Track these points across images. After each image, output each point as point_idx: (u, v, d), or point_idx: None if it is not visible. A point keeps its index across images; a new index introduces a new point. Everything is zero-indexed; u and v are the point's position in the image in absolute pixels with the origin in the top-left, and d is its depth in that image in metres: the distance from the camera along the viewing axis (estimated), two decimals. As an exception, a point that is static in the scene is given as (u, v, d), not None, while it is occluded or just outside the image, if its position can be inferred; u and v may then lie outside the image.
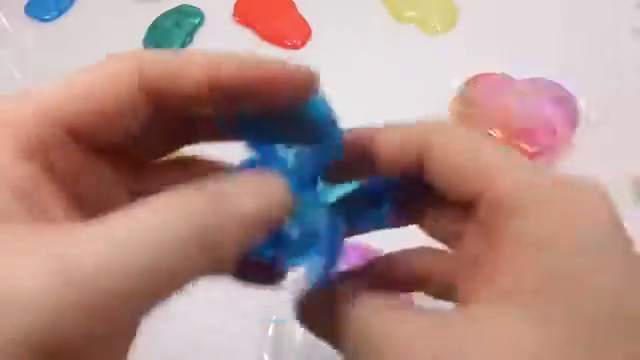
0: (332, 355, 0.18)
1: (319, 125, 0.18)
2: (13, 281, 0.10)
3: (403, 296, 0.19)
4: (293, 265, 0.17)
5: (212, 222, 0.12)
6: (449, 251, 0.19)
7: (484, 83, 0.45)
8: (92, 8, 0.57)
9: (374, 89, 0.49)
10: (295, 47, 0.52)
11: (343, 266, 0.18)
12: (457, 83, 0.45)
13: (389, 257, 0.20)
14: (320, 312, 0.17)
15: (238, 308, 0.38)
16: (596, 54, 0.50)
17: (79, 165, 0.15)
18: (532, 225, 0.15)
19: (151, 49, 0.15)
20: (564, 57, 0.50)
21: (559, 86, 0.45)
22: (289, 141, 0.19)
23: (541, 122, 0.42)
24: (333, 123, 0.18)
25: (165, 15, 0.55)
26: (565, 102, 0.44)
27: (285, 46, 0.53)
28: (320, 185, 0.19)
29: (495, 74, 0.45)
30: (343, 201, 0.20)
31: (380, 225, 0.20)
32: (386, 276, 0.19)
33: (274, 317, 0.37)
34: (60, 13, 0.57)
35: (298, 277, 0.17)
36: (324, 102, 0.18)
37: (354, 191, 0.20)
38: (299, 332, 0.36)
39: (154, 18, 0.55)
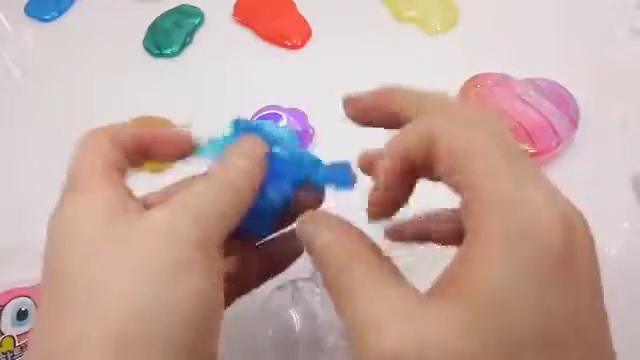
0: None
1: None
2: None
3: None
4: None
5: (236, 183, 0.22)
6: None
7: (484, 83, 0.45)
8: (92, 8, 0.57)
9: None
10: (295, 47, 0.52)
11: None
12: (457, 83, 0.45)
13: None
14: None
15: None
16: (596, 54, 0.50)
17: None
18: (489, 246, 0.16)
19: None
20: (564, 57, 0.50)
21: (559, 86, 0.45)
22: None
23: (541, 122, 0.42)
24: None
25: (165, 15, 0.55)
26: (565, 102, 0.44)
27: (285, 46, 0.53)
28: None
29: (495, 74, 0.45)
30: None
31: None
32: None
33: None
34: (60, 13, 0.57)
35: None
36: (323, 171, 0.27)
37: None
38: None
39: (154, 18, 0.55)
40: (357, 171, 0.26)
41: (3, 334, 0.36)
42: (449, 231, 0.22)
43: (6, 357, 0.35)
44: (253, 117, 0.45)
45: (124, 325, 0.17)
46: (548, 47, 0.51)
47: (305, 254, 0.22)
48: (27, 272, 0.39)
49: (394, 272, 0.18)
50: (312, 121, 0.45)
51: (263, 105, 0.46)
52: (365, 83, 0.52)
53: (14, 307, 0.37)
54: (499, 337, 0.15)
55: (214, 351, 0.20)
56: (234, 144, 0.25)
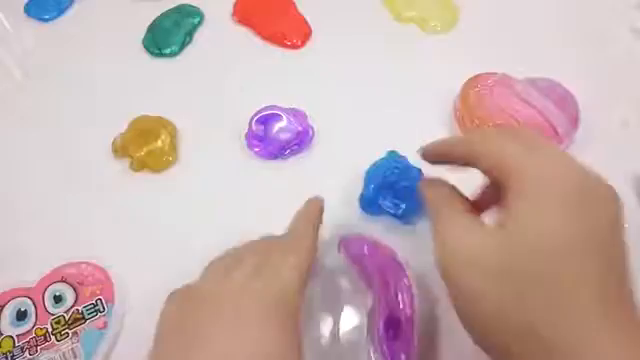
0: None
1: None
2: None
3: None
4: None
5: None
6: None
7: (484, 83, 0.45)
8: (92, 8, 0.57)
9: (374, 89, 0.49)
10: (295, 47, 0.52)
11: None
12: (457, 83, 0.45)
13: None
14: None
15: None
16: (596, 54, 0.50)
17: None
18: (529, 180, 0.24)
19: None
20: (564, 57, 0.50)
21: (559, 86, 0.45)
22: None
23: (541, 122, 0.42)
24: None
25: (165, 15, 0.55)
26: (565, 102, 0.44)
27: (285, 46, 0.53)
28: None
29: (495, 74, 0.45)
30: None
31: None
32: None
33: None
34: (60, 13, 0.57)
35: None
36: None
37: None
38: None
39: (154, 18, 0.55)
40: None
41: (2, 334, 0.36)
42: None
43: (6, 357, 0.35)
44: (253, 117, 0.45)
45: None
46: (548, 47, 0.51)
47: None
48: (26, 272, 0.39)
49: (469, 214, 0.26)
50: (312, 121, 0.45)
51: (263, 105, 0.46)
52: (365, 83, 0.53)
53: (14, 307, 0.37)
54: (531, 250, 0.22)
55: None
56: None
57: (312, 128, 0.45)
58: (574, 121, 0.43)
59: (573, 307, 0.21)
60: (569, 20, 0.53)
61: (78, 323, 0.37)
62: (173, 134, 0.46)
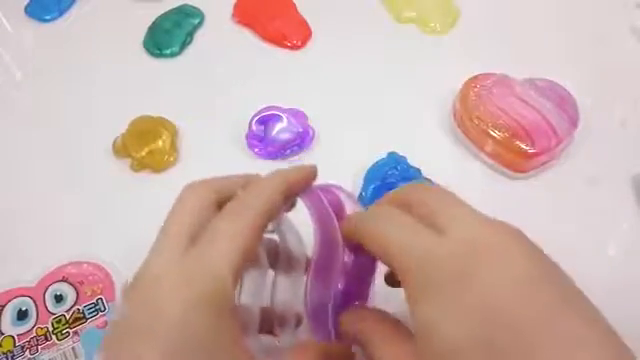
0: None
1: None
2: None
3: None
4: None
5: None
6: None
7: (484, 83, 0.45)
8: (92, 8, 0.57)
9: (374, 90, 0.49)
10: (295, 47, 0.53)
11: None
12: (457, 83, 0.45)
13: None
14: None
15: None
16: (596, 54, 0.50)
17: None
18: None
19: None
20: (564, 57, 0.50)
21: (559, 86, 0.45)
22: None
23: (541, 122, 0.42)
24: None
25: (165, 15, 0.55)
26: (565, 102, 0.44)
27: (285, 46, 0.53)
28: None
29: (495, 74, 0.45)
30: None
31: None
32: None
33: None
34: (60, 13, 0.57)
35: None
36: None
37: None
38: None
39: (154, 18, 0.55)
40: None
41: (3, 334, 0.36)
42: None
43: (6, 357, 0.35)
44: (253, 117, 0.45)
45: None
46: (548, 47, 0.51)
47: None
48: (27, 272, 0.39)
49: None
50: (312, 121, 0.46)
51: (263, 105, 0.46)
52: (365, 84, 0.53)
53: (14, 307, 0.37)
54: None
55: None
56: None
57: (312, 129, 0.45)
58: (573, 121, 0.43)
59: None
60: (569, 20, 0.53)
61: (79, 322, 0.37)
62: (173, 134, 0.46)
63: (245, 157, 0.45)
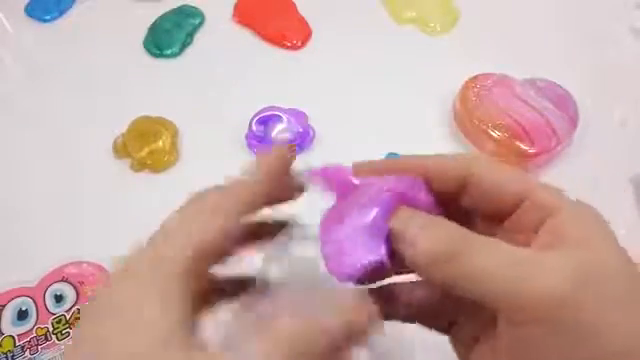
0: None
1: None
2: None
3: None
4: None
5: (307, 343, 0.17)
6: None
7: (484, 83, 0.45)
8: (92, 9, 0.57)
9: (374, 90, 0.49)
10: (295, 47, 0.53)
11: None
12: (457, 83, 0.45)
13: None
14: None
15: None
16: (596, 54, 0.50)
17: (209, 294, 0.20)
18: (571, 223, 0.19)
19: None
20: (564, 57, 0.50)
21: (559, 86, 0.45)
22: None
23: (541, 122, 0.42)
24: None
25: (165, 15, 0.55)
26: (565, 102, 0.44)
27: (285, 46, 0.53)
28: None
29: (495, 74, 0.45)
30: None
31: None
32: None
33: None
34: (60, 14, 0.57)
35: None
36: None
37: None
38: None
39: (154, 18, 0.55)
40: None
41: (3, 334, 0.36)
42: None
43: (6, 357, 0.35)
44: (253, 118, 0.45)
45: None
46: (548, 47, 0.51)
47: None
48: (27, 272, 0.39)
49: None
50: (312, 122, 0.46)
51: (263, 106, 0.46)
52: (365, 84, 0.53)
53: (15, 307, 0.37)
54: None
55: None
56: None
57: (312, 129, 0.45)
58: (573, 121, 0.43)
59: None
60: (569, 20, 0.53)
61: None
62: (174, 134, 0.46)
63: (245, 157, 0.45)
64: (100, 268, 0.39)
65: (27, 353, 0.35)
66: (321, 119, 0.46)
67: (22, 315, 0.37)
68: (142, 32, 0.54)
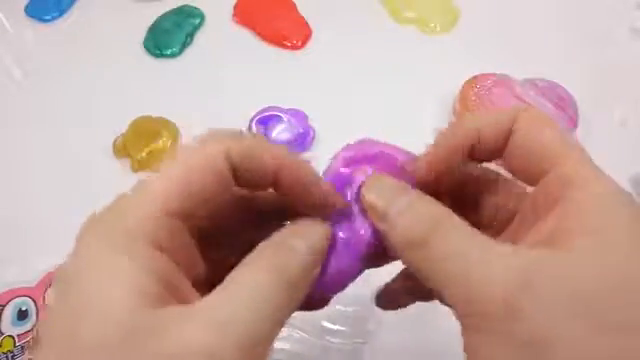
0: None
1: None
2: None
3: None
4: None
5: (285, 277, 0.17)
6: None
7: (483, 83, 0.45)
8: (92, 8, 0.57)
9: (374, 90, 0.49)
10: (295, 47, 0.53)
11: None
12: (457, 83, 0.45)
13: None
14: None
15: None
16: (596, 54, 0.50)
17: (192, 249, 0.19)
18: (594, 197, 0.17)
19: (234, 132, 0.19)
20: (564, 57, 0.50)
21: (559, 86, 0.45)
22: None
23: (541, 122, 0.42)
24: None
25: (165, 16, 0.55)
26: (565, 102, 0.44)
27: (285, 46, 0.53)
28: None
29: (494, 74, 0.45)
30: None
31: None
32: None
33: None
34: (60, 13, 0.57)
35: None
36: None
37: None
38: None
39: (154, 18, 0.55)
40: None
41: (3, 334, 0.36)
42: None
43: (6, 357, 0.35)
44: (253, 118, 0.45)
45: None
46: (548, 47, 0.51)
47: None
48: (27, 272, 0.39)
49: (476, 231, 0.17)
50: (312, 122, 0.46)
51: (263, 106, 0.46)
52: (365, 84, 0.53)
53: (15, 307, 0.37)
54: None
55: None
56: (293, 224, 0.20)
57: (312, 129, 0.45)
58: (573, 121, 0.43)
59: None
60: (569, 20, 0.54)
61: (79, 323, 0.37)
62: (174, 135, 0.46)
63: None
64: (100, 268, 0.39)
65: (27, 353, 0.35)
66: (321, 119, 0.46)
67: (22, 315, 0.37)
68: (142, 32, 0.54)
